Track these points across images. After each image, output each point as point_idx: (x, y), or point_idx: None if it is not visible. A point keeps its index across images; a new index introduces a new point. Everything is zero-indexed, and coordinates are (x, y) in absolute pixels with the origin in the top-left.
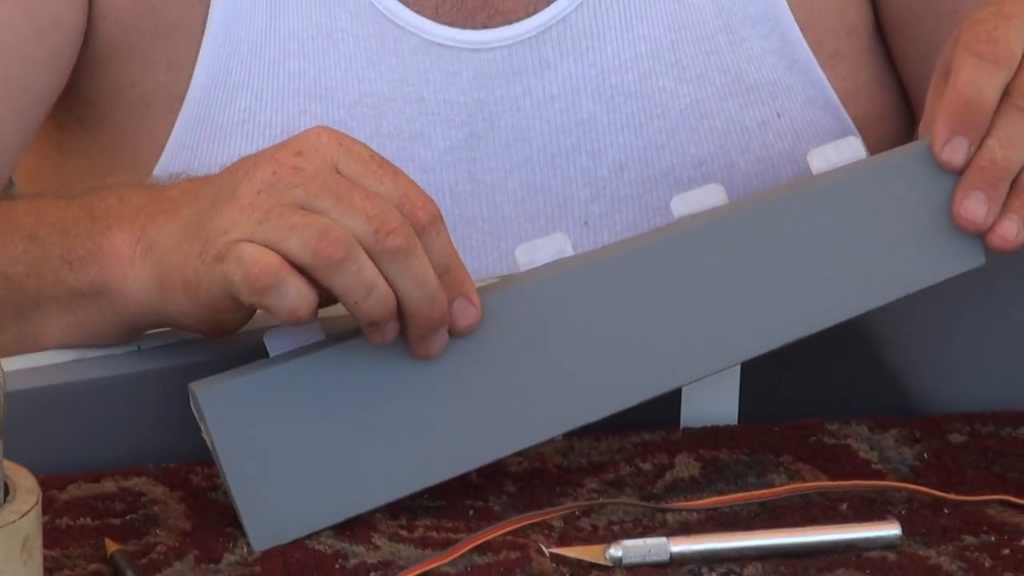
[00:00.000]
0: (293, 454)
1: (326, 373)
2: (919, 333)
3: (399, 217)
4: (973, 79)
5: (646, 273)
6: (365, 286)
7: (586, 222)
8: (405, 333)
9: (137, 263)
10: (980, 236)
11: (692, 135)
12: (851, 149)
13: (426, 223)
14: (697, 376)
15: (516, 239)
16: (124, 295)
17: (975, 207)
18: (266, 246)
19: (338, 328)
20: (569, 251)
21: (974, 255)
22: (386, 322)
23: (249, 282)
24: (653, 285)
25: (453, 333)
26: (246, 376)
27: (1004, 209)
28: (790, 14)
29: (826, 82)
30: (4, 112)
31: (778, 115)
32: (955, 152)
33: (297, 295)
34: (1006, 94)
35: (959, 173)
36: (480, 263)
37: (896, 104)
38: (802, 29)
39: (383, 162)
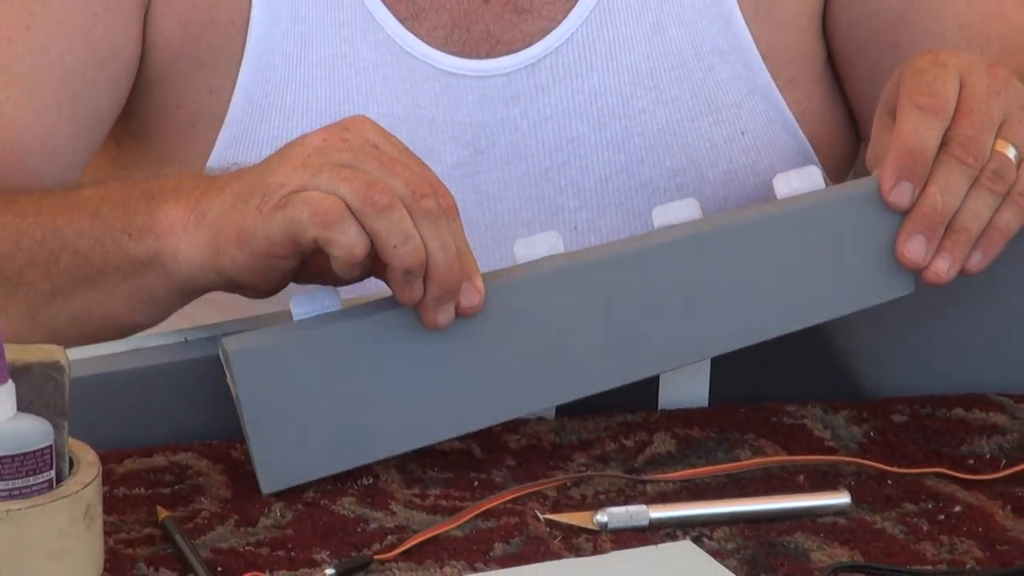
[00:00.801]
0: (306, 409)
1: (343, 344)
2: (867, 328)
3: (430, 187)
4: (916, 130)
5: (628, 276)
6: (404, 232)
7: (575, 227)
8: (421, 300)
9: (191, 229)
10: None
11: (667, 151)
12: (812, 178)
13: (447, 207)
14: (667, 368)
15: (514, 243)
16: (177, 260)
17: (916, 248)
18: (315, 191)
19: (354, 307)
20: (561, 248)
21: (906, 285)
22: (418, 274)
23: (318, 217)
24: (633, 286)
25: (457, 312)
26: (272, 339)
27: (939, 249)
28: (753, 45)
29: (784, 105)
30: (73, 129)
31: (742, 133)
32: (901, 195)
33: (357, 233)
34: (944, 143)
35: (903, 213)
36: (482, 264)
37: (845, 126)
38: (763, 58)
39: (411, 153)
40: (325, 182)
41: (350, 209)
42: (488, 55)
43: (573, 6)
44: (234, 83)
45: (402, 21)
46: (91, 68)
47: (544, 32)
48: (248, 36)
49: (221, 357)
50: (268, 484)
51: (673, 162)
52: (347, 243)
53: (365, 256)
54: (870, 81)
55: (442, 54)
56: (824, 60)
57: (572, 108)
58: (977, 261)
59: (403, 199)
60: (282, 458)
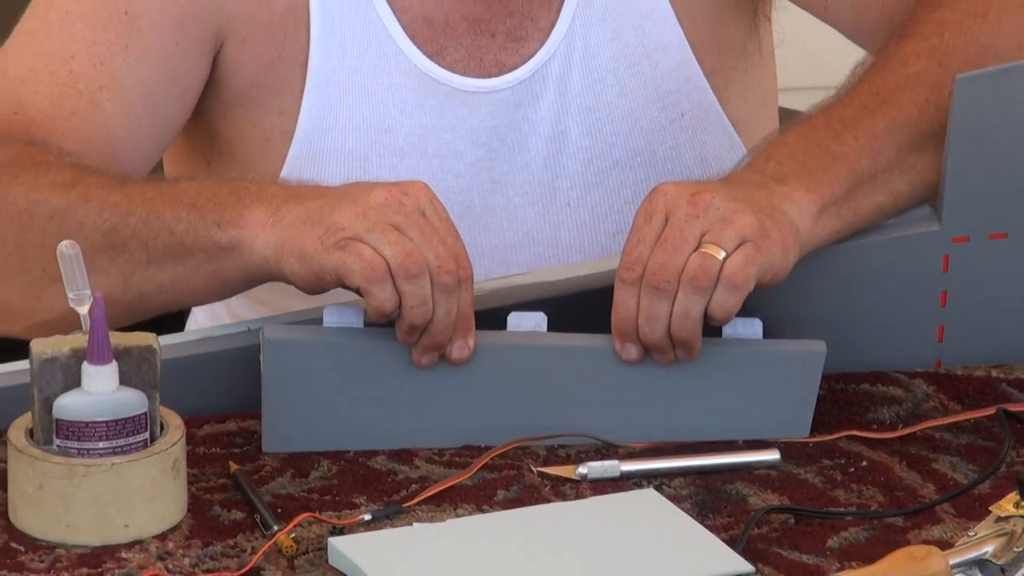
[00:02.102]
0: (311, 397)
1: (354, 355)
2: (794, 323)
3: (454, 263)
4: (621, 301)
5: (573, 363)
6: (421, 298)
7: (568, 204)
8: (416, 344)
9: (268, 229)
10: (807, 414)
11: (630, 135)
12: (752, 327)
13: (463, 278)
14: (593, 436)
15: (523, 219)
16: (252, 251)
17: (630, 354)
18: (368, 246)
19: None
20: (544, 327)
21: (802, 428)
22: (420, 329)
23: (365, 273)
24: (577, 367)
25: (449, 361)
26: (301, 336)
27: (663, 352)
28: (685, 40)
29: (709, 89)
30: (151, 132)
31: (682, 115)
32: (629, 354)
33: (391, 292)
34: (644, 274)
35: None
36: (500, 239)
37: (761, 107)
38: (693, 50)
39: (450, 223)
40: (376, 240)
41: (389, 269)
42: (496, 75)
43: (553, 28)
44: (299, 106)
45: (428, 56)
46: (168, 85)
47: (535, 52)
48: (308, 69)
49: (260, 340)
50: (268, 445)
51: (634, 144)
52: (381, 299)
53: (393, 311)
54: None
55: (460, 77)
56: (740, 52)
57: (559, 108)
58: (690, 351)
59: (430, 269)
60: (284, 428)
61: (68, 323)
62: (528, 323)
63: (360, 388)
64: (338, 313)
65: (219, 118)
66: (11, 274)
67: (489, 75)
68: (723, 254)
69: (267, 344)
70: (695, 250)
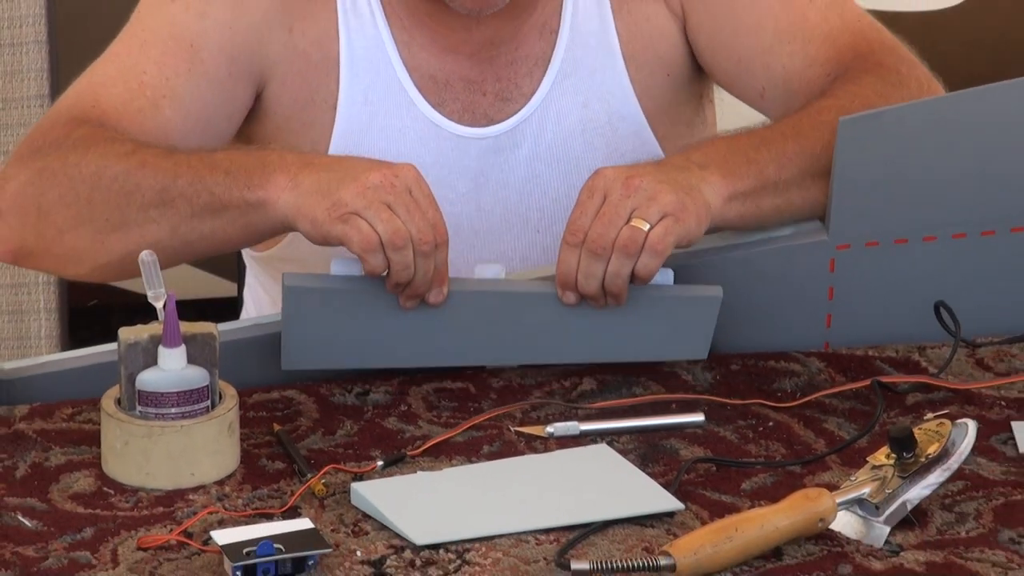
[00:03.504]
0: (321, 327)
1: (356, 296)
2: (719, 311)
3: (432, 233)
4: (565, 259)
5: (524, 305)
6: (404, 264)
7: (537, 231)
8: (401, 292)
9: (288, 191)
10: (706, 342)
11: (596, 166)
12: (666, 275)
13: (439, 243)
14: (539, 360)
15: (501, 240)
16: (275, 209)
17: (570, 299)
18: (365, 221)
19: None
20: (502, 275)
21: (701, 352)
22: (404, 285)
23: (362, 244)
24: (526, 310)
25: (427, 304)
26: (313, 282)
27: (597, 299)
28: (643, 113)
29: (661, 152)
30: (198, 140)
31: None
32: (568, 299)
33: (381, 260)
34: (586, 240)
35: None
36: (481, 255)
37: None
38: (648, 121)
39: (431, 198)
40: (372, 216)
41: (381, 242)
42: (485, 125)
43: (534, 94)
44: (329, 139)
45: (433, 106)
46: (218, 106)
47: (517, 111)
48: (337, 111)
49: (283, 284)
50: (287, 363)
51: (595, 164)
52: (374, 264)
53: (383, 272)
54: (731, 64)
55: (457, 125)
56: (689, 123)
57: (534, 156)
58: (618, 301)
59: (413, 241)
60: (297, 352)
61: (124, 266)
62: (491, 273)
63: (358, 323)
64: (343, 265)
65: (266, 142)
66: (81, 223)
67: (480, 125)
68: (648, 226)
69: (286, 290)
70: (626, 223)
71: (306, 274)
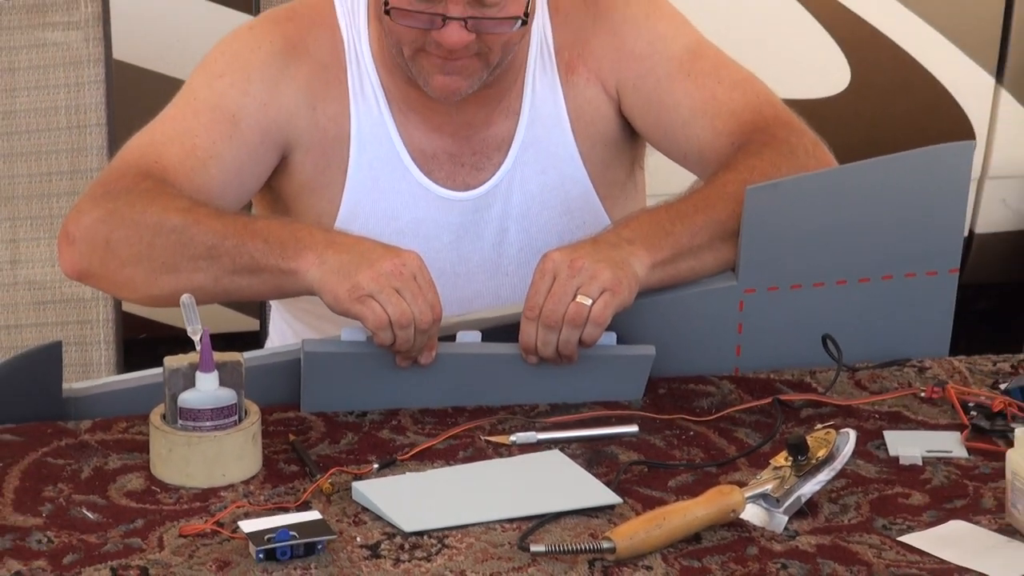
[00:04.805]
0: (332, 382)
1: (363, 359)
2: (647, 342)
3: (430, 314)
4: (525, 331)
5: (494, 363)
6: (407, 339)
7: (507, 274)
8: (400, 356)
9: (315, 268)
10: (641, 387)
11: (549, 232)
12: (610, 338)
13: (434, 321)
14: (506, 402)
15: (477, 282)
16: (304, 279)
17: (531, 360)
18: (379, 303)
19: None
20: (479, 340)
21: (636, 394)
22: (405, 354)
23: (374, 323)
24: (499, 364)
25: (419, 364)
26: (327, 348)
27: (554, 361)
28: (588, 177)
29: (602, 208)
30: (235, 193)
31: (583, 223)
32: (530, 360)
33: (389, 336)
34: (540, 316)
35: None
36: (462, 294)
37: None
38: (592, 183)
39: (431, 283)
40: (384, 299)
41: (390, 321)
42: (464, 190)
43: (502, 164)
44: (341, 198)
45: (423, 174)
46: (251, 166)
47: (489, 179)
48: (347, 175)
49: (302, 349)
50: (305, 407)
51: (551, 239)
52: (383, 338)
53: (389, 347)
54: (658, 136)
55: (442, 189)
56: (623, 185)
57: (503, 214)
58: (570, 361)
59: (415, 321)
60: (315, 399)
61: (169, 301)
62: (469, 338)
63: (363, 378)
64: (351, 332)
65: (289, 200)
66: (139, 261)
67: (460, 189)
68: (590, 301)
69: (305, 354)
70: (573, 299)
71: (321, 340)
